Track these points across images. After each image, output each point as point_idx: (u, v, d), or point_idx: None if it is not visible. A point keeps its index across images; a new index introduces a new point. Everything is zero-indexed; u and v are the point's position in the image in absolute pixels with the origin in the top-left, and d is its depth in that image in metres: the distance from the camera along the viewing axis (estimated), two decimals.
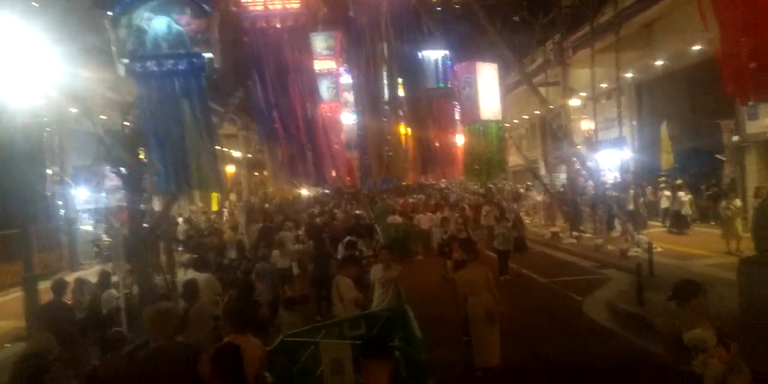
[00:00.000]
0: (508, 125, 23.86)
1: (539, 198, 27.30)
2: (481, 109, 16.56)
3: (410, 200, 29.49)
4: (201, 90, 8.18)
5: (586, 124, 25.92)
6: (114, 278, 9.74)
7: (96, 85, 11.36)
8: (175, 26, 7.93)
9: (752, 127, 16.60)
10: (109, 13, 7.89)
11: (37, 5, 9.44)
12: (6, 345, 10.33)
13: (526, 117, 35.16)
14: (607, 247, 15.74)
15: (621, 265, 13.74)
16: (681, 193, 18.09)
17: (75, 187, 21.05)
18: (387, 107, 10.74)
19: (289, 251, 11.93)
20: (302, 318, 8.08)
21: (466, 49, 24.30)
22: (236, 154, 33.51)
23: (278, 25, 9.17)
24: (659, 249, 13.96)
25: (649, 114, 24.87)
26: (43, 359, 4.65)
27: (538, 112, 29.86)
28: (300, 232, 15.82)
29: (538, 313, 10.27)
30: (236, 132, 28.82)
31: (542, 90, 20.36)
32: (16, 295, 11.47)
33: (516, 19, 28.69)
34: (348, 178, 16.18)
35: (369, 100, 10.61)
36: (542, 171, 32.57)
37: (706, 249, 14.53)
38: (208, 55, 8.06)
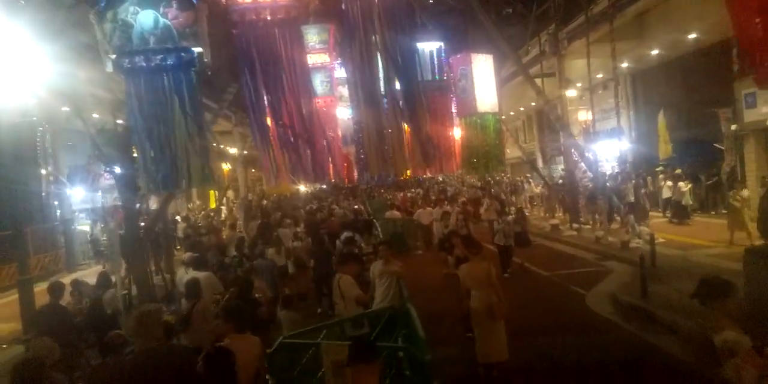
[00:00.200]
0: (504, 118, 23.67)
1: (537, 190, 27.27)
2: (478, 101, 16.36)
3: (409, 195, 29.46)
4: (191, 85, 7.99)
5: (583, 115, 25.84)
6: (113, 278, 9.61)
7: (86, 83, 11.21)
8: (162, 20, 7.73)
9: (750, 116, 16.45)
10: (95, 7, 7.68)
11: (23, 2, 9.25)
12: (2, 346, 10.27)
13: (522, 109, 35.04)
14: (607, 239, 15.64)
15: (622, 256, 13.65)
16: (681, 184, 17.99)
17: (71, 186, 20.94)
18: (382, 101, 10.58)
19: (284, 249, 11.81)
20: (303, 315, 7.99)
21: (461, 41, 24.11)
22: (232, 150, 33.34)
23: (269, 18, 8.95)
24: (660, 240, 13.88)
25: (646, 104, 24.79)
26: (41, 364, 4.65)
27: (534, 103, 29.77)
28: (298, 229, 15.69)
29: (540, 308, 10.17)
30: (231, 128, 28.63)
31: (537, 81, 20.21)
32: (14, 297, 11.34)
33: (510, 10, 28.57)
34: (345, 174, 16.01)
35: (364, 93, 10.41)
36: (539, 163, 32.52)
37: (707, 239, 14.44)
38: (197, 49, 7.88)
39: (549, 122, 28.79)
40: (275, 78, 9.18)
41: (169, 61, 7.81)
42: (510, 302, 7.17)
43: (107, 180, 19.51)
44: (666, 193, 19.01)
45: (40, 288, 9.62)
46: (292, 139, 9.61)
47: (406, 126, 11.40)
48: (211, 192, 36.74)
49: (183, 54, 7.81)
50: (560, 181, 24.89)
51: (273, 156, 9.85)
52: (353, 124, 12.61)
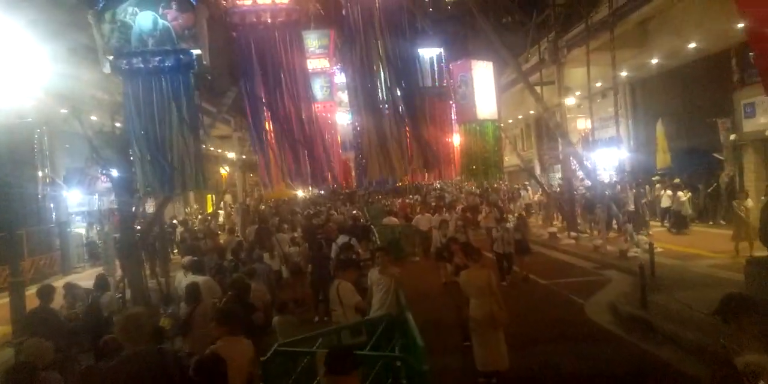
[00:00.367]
0: (503, 125, 23.67)
1: (535, 198, 27.23)
2: (478, 108, 16.38)
3: (407, 201, 29.39)
4: (189, 88, 7.91)
5: (582, 123, 25.84)
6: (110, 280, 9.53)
7: (85, 85, 11.12)
8: (161, 21, 7.66)
9: (749, 125, 16.45)
10: (93, 7, 7.61)
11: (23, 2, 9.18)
12: None
13: (521, 117, 35.05)
14: (606, 248, 15.57)
15: (621, 265, 13.58)
16: (680, 193, 17.96)
17: (67, 189, 20.83)
18: (382, 106, 10.52)
19: (279, 254, 11.74)
20: (299, 320, 7.90)
21: (461, 47, 24.16)
22: (230, 154, 33.22)
23: (269, 20, 8.89)
24: (659, 249, 13.80)
25: (645, 113, 24.78)
26: (33, 368, 4.56)
27: (532, 111, 29.76)
28: (296, 234, 15.61)
29: (539, 316, 10.06)
30: (230, 133, 28.53)
31: (536, 89, 20.21)
32: (7, 300, 11.22)
33: (509, 18, 28.65)
34: (343, 179, 15.94)
35: (364, 99, 10.34)
36: (537, 171, 32.49)
37: (706, 249, 14.37)
38: (196, 51, 7.81)
39: (548, 130, 28.79)
40: (275, 82, 9.10)
41: (168, 63, 7.74)
42: (508, 310, 7.09)
43: (104, 183, 19.43)
44: (665, 203, 18.97)
45: (34, 291, 9.51)
46: (290, 143, 9.52)
47: (405, 132, 11.32)
48: (209, 196, 36.64)
49: (182, 56, 7.74)
50: (557, 189, 24.84)
51: (271, 161, 9.77)
52: (353, 130, 12.54)
